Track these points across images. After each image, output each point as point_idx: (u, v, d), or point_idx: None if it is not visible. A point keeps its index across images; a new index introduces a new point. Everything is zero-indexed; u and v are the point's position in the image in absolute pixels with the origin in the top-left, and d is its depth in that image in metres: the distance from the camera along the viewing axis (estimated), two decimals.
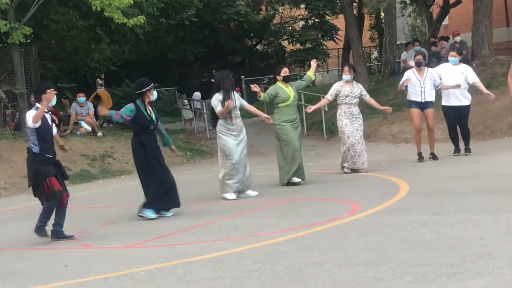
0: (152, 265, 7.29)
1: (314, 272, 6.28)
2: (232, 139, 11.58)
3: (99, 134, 20.27)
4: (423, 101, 13.72)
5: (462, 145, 14.22)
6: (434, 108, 14.03)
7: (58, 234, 9.41)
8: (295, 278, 6.21)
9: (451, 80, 13.85)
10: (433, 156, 13.90)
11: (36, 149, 9.31)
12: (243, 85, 32.58)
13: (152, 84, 10.62)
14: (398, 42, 27.41)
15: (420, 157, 13.93)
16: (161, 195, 10.40)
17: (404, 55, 24.15)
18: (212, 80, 29.32)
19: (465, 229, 7.38)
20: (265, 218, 9.56)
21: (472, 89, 14.18)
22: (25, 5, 19.85)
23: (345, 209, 9.44)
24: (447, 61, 15.31)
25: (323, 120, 20.86)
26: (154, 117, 10.50)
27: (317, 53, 36.66)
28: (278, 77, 12.71)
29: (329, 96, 13.43)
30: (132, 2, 19.17)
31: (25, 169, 9.73)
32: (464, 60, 20.44)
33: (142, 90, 10.43)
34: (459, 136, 14.32)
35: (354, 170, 13.24)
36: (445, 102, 14.11)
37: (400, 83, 13.91)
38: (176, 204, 10.59)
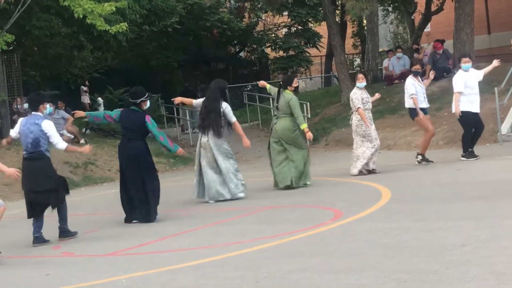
0: (135, 273, 7.27)
1: (297, 279, 6.29)
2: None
3: (82, 141, 20.20)
4: (427, 106, 14.21)
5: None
6: None
7: (38, 240, 9.65)
8: (278, 285, 6.21)
9: (475, 87, 13.83)
10: (424, 159, 14.03)
11: (49, 154, 9.71)
12: (227, 92, 32.55)
13: (147, 94, 10.75)
14: (380, 49, 27.49)
15: (428, 160, 14.00)
16: (123, 204, 10.64)
17: (386, 62, 24.29)
18: (190, 87, 29.31)
19: (447, 235, 7.41)
20: (249, 225, 9.57)
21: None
22: (7, 12, 19.77)
23: (328, 216, 9.46)
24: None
25: None
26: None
27: (300, 60, 36.78)
28: (289, 88, 12.86)
29: (361, 106, 13.32)
30: (114, 9, 19.14)
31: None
32: (443, 69, 20.55)
33: (137, 101, 10.58)
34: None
35: (369, 171, 13.46)
36: (466, 107, 13.77)
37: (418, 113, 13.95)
38: (142, 219, 10.56)
